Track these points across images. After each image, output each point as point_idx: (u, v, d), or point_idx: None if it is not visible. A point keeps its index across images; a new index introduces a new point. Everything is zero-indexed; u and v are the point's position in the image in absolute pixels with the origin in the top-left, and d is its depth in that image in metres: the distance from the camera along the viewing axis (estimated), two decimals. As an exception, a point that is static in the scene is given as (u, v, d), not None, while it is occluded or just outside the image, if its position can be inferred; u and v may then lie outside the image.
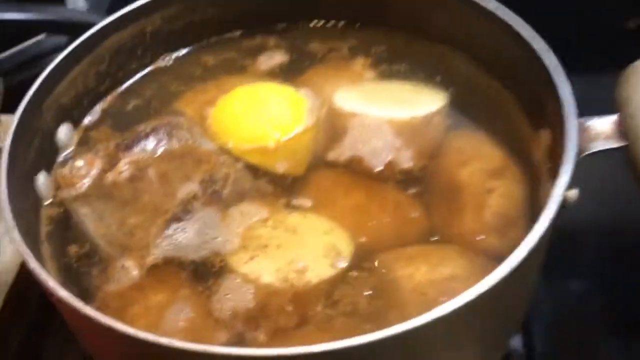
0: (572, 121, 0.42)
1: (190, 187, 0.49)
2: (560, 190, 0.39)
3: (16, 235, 0.38)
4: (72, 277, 0.45)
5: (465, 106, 0.54)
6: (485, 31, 0.53)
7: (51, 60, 0.51)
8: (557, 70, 0.46)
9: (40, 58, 0.75)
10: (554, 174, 0.45)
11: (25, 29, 0.66)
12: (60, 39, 0.70)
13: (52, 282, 0.36)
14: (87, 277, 0.45)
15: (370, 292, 0.44)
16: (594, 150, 0.43)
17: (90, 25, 0.55)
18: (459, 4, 0.54)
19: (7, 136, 0.45)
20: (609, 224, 0.64)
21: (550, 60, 0.46)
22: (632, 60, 0.46)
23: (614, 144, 0.43)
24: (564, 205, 0.44)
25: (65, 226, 0.48)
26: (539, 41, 0.48)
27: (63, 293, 0.36)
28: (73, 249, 0.47)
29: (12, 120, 0.46)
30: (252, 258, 0.44)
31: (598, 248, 0.63)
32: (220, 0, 0.59)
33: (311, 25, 0.61)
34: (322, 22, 0.61)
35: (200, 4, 0.58)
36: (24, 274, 0.56)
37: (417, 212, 0.49)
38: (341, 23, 0.61)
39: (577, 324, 0.60)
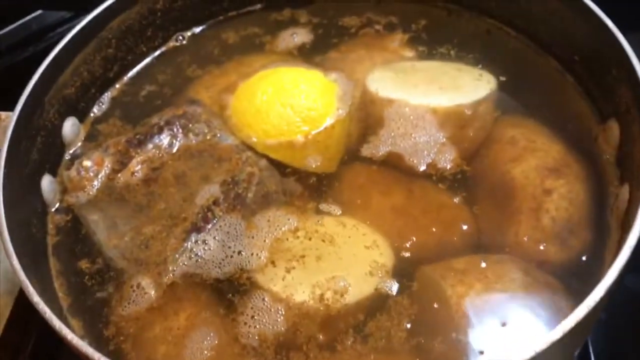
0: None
1: (211, 191, 0.43)
2: None
3: (16, 264, 0.34)
4: (83, 297, 0.40)
5: (518, 91, 0.48)
6: (541, 4, 0.47)
7: (56, 35, 0.46)
8: (630, 50, 0.39)
9: (43, 33, 0.69)
10: (628, 177, 0.39)
11: (22, 5, 0.60)
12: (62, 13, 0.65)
13: (56, 322, 0.32)
14: (100, 297, 0.40)
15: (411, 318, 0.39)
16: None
17: None
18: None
19: (5, 137, 0.40)
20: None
21: (618, 34, 0.39)
22: None
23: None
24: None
25: (75, 237, 0.43)
26: (606, 18, 0.41)
27: (71, 336, 0.31)
28: (84, 264, 0.42)
29: (11, 119, 0.41)
30: (281, 275, 0.39)
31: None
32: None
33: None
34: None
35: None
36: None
37: (464, 215, 0.44)
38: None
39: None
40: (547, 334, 0.31)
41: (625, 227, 0.36)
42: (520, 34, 0.50)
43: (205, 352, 0.37)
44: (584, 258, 0.40)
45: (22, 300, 0.51)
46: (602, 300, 0.32)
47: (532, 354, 0.30)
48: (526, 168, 0.44)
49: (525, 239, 0.42)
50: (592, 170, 0.43)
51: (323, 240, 0.41)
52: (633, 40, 0.40)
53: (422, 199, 0.45)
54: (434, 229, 0.43)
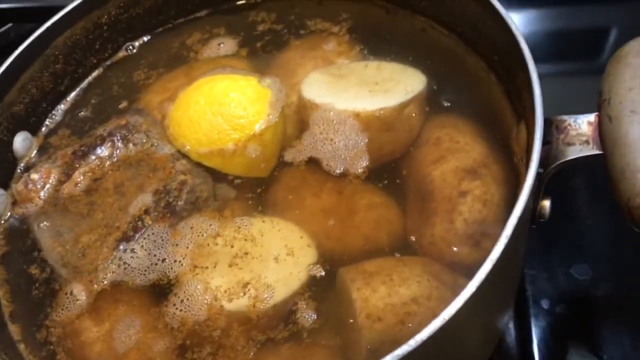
0: (539, 120, 0.37)
1: (144, 200, 0.46)
2: (523, 200, 0.34)
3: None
4: (24, 304, 0.44)
5: (448, 90, 0.49)
6: (470, 6, 0.47)
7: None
8: (530, 59, 0.40)
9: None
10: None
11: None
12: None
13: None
14: (39, 304, 0.44)
15: (319, 318, 0.41)
16: (567, 158, 0.37)
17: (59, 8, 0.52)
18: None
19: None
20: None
21: (526, 49, 0.40)
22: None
23: (589, 152, 0.37)
24: (539, 218, 0.40)
25: (23, 246, 0.47)
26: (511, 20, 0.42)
27: None
28: (29, 271, 0.45)
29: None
30: (201, 278, 0.42)
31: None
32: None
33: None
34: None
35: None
36: None
37: (391, 215, 0.46)
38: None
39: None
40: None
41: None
42: (452, 33, 0.50)
43: (132, 337, 0.40)
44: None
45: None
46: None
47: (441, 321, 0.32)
48: (445, 170, 0.45)
49: (439, 240, 0.43)
50: (507, 172, 0.44)
51: (245, 240, 0.43)
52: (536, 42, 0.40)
53: (350, 198, 0.47)
54: (360, 228, 0.45)
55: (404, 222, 0.46)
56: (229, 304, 0.40)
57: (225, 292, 0.41)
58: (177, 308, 0.41)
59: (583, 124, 0.38)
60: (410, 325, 0.39)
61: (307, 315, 0.41)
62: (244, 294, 0.40)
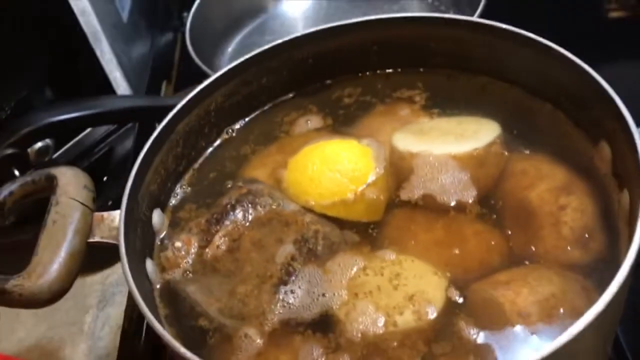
0: (636, 135, 0.46)
1: (287, 250, 0.52)
2: None
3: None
4: (203, 352, 0.48)
5: (519, 132, 0.58)
6: (525, 57, 0.57)
7: (104, 147, 0.55)
8: (604, 84, 0.50)
9: (92, 148, 0.79)
10: (625, 183, 0.49)
11: (83, 123, 0.70)
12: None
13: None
14: (219, 349, 0.48)
15: (474, 324, 0.47)
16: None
17: (152, 109, 0.59)
18: (493, 37, 0.58)
19: (120, 229, 0.49)
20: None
21: (599, 79, 0.50)
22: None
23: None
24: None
25: (183, 308, 0.51)
26: (583, 64, 0.52)
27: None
28: (193, 326, 0.50)
29: (120, 215, 0.50)
30: (360, 306, 0.47)
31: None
32: (272, 68, 0.63)
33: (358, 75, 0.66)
34: (367, 73, 0.66)
35: (254, 76, 0.62)
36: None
37: (496, 238, 0.53)
38: (385, 70, 0.65)
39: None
40: (582, 317, 0.39)
41: (632, 225, 0.45)
42: (512, 85, 0.60)
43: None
44: (603, 258, 0.49)
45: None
46: (622, 287, 0.40)
47: (569, 337, 0.38)
48: (540, 191, 0.53)
49: (552, 248, 0.51)
50: (595, 185, 0.52)
51: (393, 264, 0.49)
52: (604, 73, 0.50)
53: (458, 230, 0.54)
54: (473, 252, 0.52)
55: (508, 244, 0.53)
56: (400, 317, 0.46)
57: (394, 308, 0.46)
58: (354, 325, 0.46)
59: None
60: (558, 317, 0.45)
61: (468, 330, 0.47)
62: (413, 306, 0.46)
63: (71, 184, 0.53)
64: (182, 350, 0.41)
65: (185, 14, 1.03)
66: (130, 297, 0.67)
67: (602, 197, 0.52)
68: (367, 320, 0.46)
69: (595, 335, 0.44)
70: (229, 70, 0.60)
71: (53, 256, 0.49)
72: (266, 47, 0.62)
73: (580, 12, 0.95)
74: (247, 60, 0.61)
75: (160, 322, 0.48)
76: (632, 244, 0.41)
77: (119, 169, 0.79)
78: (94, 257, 0.52)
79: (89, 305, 0.69)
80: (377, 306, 0.47)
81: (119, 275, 0.71)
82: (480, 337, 0.46)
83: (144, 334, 0.66)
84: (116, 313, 0.68)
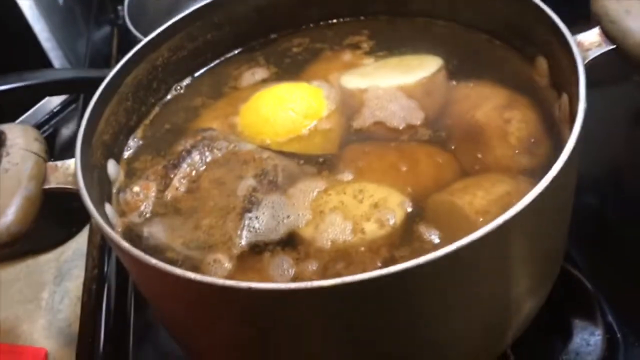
0: (571, 40, 0.49)
1: (248, 183, 0.52)
2: (583, 93, 0.45)
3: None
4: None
5: (462, 63, 0.60)
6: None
7: (48, 129, 0.55)
8: (539, 2, 0.53)
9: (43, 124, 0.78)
10: (563, 88, 0.52)
11: (29, 95, 0.68)
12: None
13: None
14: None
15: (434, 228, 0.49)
16: (592, 57, 0.50)
17: (94, 80, 0.59)
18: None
19: (77, 174, 0.48)
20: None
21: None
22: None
23: (605, 48, 0.50)
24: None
25: (145, 250, 0.50)
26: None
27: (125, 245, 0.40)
28: (169, 255, 0.49)
29: (75, 161, 0.49)
30: (329, 218, 0.48)
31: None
32: (217, 24, 0.64)
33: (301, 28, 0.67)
34: (310, 25, 0.67)
35: (200, 31, 0.63)
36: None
37: (447, 156, 0.55)
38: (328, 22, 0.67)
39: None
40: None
41: (572, 120, 0.47)
42: (449, 22, 0.63)
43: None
44: (550, 161, 0.52)
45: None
46: (566, 166, 0.42)
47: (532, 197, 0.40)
48: (485, 110, 0.56)
49: (501, 158, 0.53)
50: (536, 98, 0.55)
51: (353, 190, 0.50)
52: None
53: (411, 153, 0.55)
54: (427, 170, 0.54)
55: (459, 161, 0.55)
56: (367, 224, 0.47)
57: (361, 216, 0.47)
58: (323, 235, 0.47)
59: (593, 35, 0.51)
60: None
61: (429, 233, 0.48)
62: (379, 212, 0.47)
63: (21, 137, 0.52)
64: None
65: (120, 7, 1.04)
66: (88, 269, 0.66)
67: (544, 107, 0.55)
68: (337, 229, 0.47)
69: (541, 215, 0.45)
70: (174, 23, 0.61)
71: (8, 201, 0.47)
72: (208, 0, 0.62)
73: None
74: (190, 13, 0.62)
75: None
76: (574, 125, 0.44)
77: (63, 150, 0.78)
78: (46, 235, 0.51)
79: (44, 281, 0.67)
80: (345, 217, 0.48)
81: (73, 250, 0.69)
82: (440, 239, 0.47)
83: (104, 304, 0.65)
84: (74, 286, 0.66)
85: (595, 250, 0.66)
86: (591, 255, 0.65)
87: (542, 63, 0.55)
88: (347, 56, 0.66)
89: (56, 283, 0.67)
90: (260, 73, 0.65)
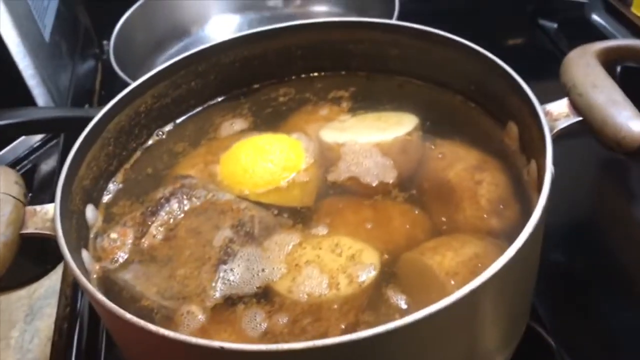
0: (540, 109, 0.51)
1: (224, 234, 0.54)
2: (549, 163, 0.47)
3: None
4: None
5: (435, 122, 0.63)
6: (433, 53, 0.63)
7: (27, 164, 0.55)
8: (507, 69, 0.55)
9: (14, 165, 0.78)
10: (532, 155, 0.54)
11: (10, 133, 0.69)
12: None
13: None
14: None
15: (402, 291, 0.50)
16: (560, 127, 0.52)
17: (76, 119, 0.60)
18: (409, 39, 0.64)
19: (56, 221, 0.48)
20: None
21: (505, 66, 0.55)
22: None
23: (573, 120, 0.52)
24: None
25: (120, 298, 0.51)
26: (489, 54, 0.58)
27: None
28: (144, 303, 0.50)
29: (55, 208, 0.49)
30: (301, 276, 0.49)
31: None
32: (201, 72, 0.65)
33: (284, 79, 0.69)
34: (292, 77, 0.69)
35: (184, 79, 0.64)
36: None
37: (419, 215, 0.56)
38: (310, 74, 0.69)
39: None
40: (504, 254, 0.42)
41: (539, 189, 0.49)
42: (427, 82, 0.66)
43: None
44: (518, 224, 0.54)
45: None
46: (533, 234, 0.44)
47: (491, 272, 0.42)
48: (457, 171, 0.58)
49: (471, 219, 0.55)
50: (506, 161, 0.57)
51: (329, 244, 0.52)
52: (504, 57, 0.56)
53: (384, 210, 0.57)
54: (399, 228, 0.56)
55: (431, 219, 0.57)
56: (344, 277, 0.48)
57: (337, 269, 0.49)
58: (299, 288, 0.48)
59: (562, 105, 0.53)
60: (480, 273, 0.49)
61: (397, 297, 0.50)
62: (353, 269, 0.49)
63: (0, 180, 0.53)
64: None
65: (105, 42, 1.05)
66: (60, 308, 0.66)
67: (513, 171, 0.57)
68: (313, 283, 0.48)
69: (508, 280, 0.46)
70: (159, 72, 0.62)
71: (-16, 245, 0.48)
72: (194, 50, 0.64)
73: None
74: (176, 62, 0.63)
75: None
76: (541, 194, 0.46)
77: (43, 186, 0.78)
78: (19, 273, 0.51)
79: (15, 319, 0.67)
80: (322, 270, 0.49)
81: (45, 288, 0.69)
82: (406, 303, 0.49)
83: (75, 344, 0.65)
84: (45, 325, 0.66)
85: (559, 305, 0.67)
86: (555, 311, 0.66)
87: (512, 128, 0.57)
88: (326, 110, 0.67)
89: (27, 321, 0.67)
90: (239, 123, 0.67)
